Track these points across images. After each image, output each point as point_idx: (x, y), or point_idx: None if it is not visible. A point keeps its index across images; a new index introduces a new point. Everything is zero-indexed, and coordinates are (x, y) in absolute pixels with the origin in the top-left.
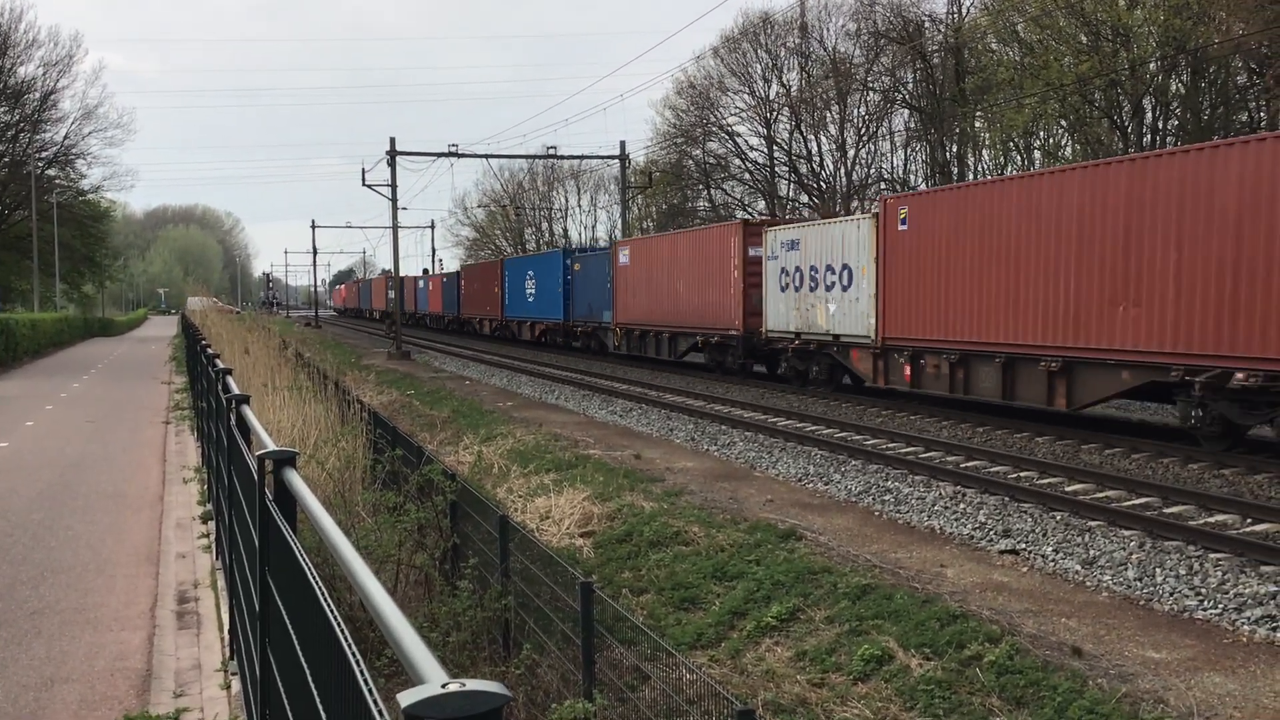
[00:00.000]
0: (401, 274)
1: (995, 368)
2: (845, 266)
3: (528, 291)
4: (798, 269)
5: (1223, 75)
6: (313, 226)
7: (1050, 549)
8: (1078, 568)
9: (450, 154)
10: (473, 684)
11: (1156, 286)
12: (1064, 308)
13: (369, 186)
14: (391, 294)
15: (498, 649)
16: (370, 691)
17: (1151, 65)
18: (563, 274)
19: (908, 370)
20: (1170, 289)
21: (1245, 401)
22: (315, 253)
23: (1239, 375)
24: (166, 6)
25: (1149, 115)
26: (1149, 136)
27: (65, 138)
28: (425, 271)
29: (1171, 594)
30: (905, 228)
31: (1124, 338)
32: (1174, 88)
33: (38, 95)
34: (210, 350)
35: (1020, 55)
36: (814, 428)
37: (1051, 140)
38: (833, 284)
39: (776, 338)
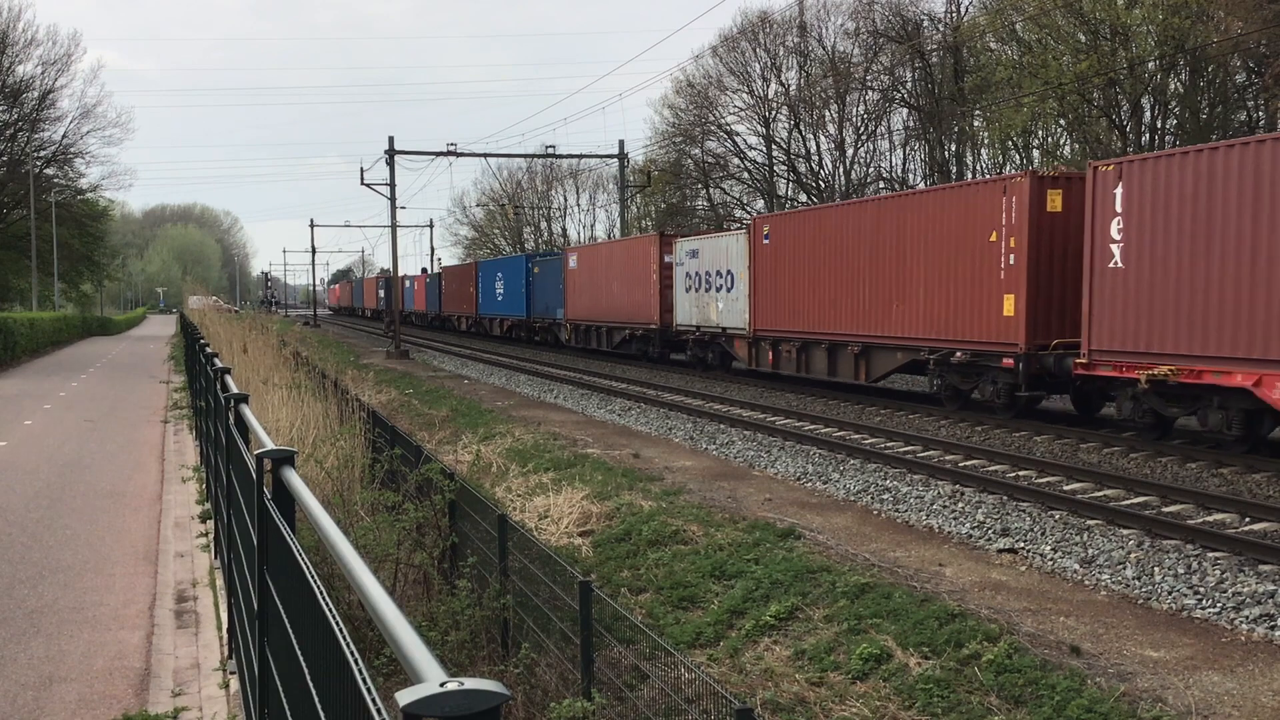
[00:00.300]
0: (392, 274)
1: (823, 352)
2: (729, 272)
3: (497, 291)
4: (698, 273)
5: (1221, 74)
6: (311, 226)
7: (1048, 548)
8: (1076, 566)
9: (449, 153)
10: (471, 683)
11: (913, 291)
12: (863, 306)
13: (368, 185)
14: (382, 293)
15: (496, 648)
16: (369, 690)
17: (1150, 64)
18: (525, 276)
19: (770, 355)
20: (920, 292)
21: (962, 372)
22: (314, 252)
23: (958, 354)
24: (165, 5)
25: (1147, 114)
26: (1147, 135)
27: (64, 137)
28: (424, 270)
29: (1170, 593)
30: (768, 242)
31: (897, 328)
32: (1172, 87)
33: (36, 94)
34: (209, 349)
35: (1019, 54)
36: (812, 427)
37: (1050, 139)
38: (721, 286)
39: (683, 330)
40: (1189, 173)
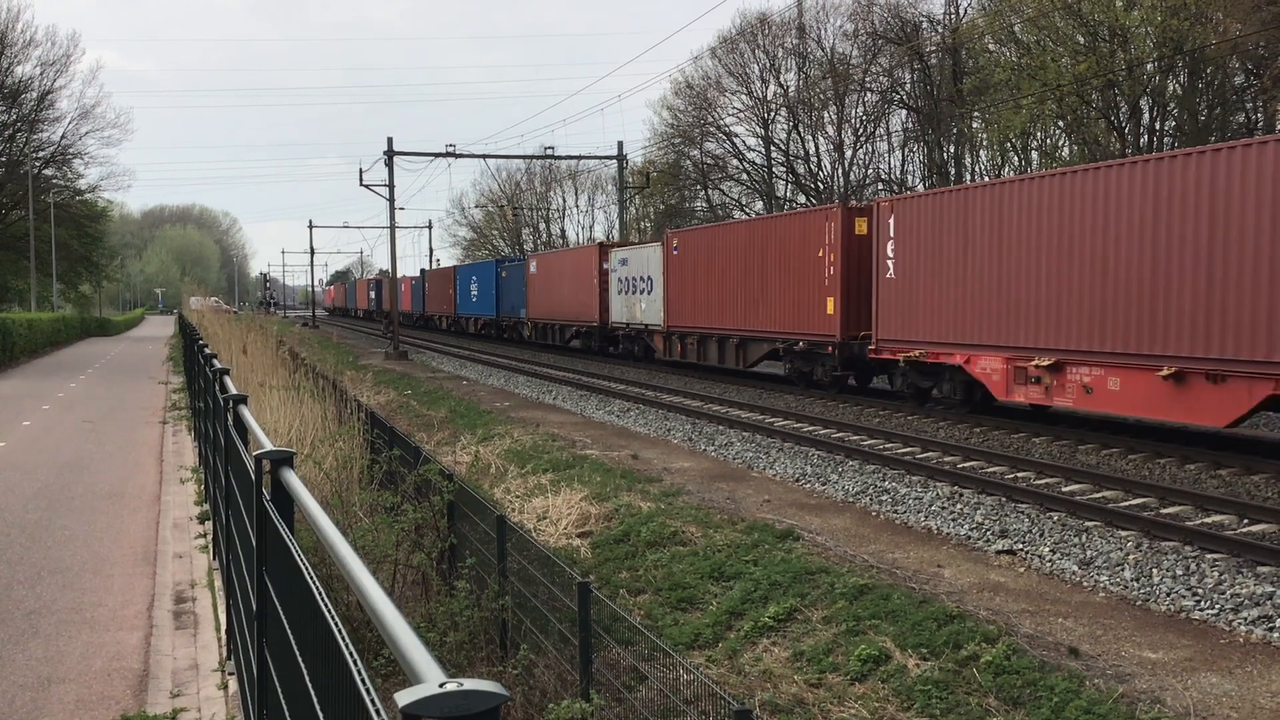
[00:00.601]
0: (390, 276)
1: (714, 343)
2: (650, 278)
3: (472, 294)
4: (628, 278)
5: (1219, 76)
6: (310, 226)
7: (1047, 549)
8: (1075, 568)
9: (448, 154)
10: (470, 683)
11: (771, 295)
12: (740, 307)
13: (367, 186)
14: (373, 294)
15: (495, 649)
16: (368, 691)
17: (1149, 66)
18: (495, 280)
19: (679, 347)
20: (776, 296)
21: (804, 358)
22: (312, 253)
23: (800, 344)
24: (163, 5)
25: (1146, 116)
26: (1146, 137)
27: (62, 137)
28: (422, 272)
29: (1168, 594)
30: (677, 253)
31: (763, 324)
32: (1171, 88)
33: (35, 95)
34: (207, 350)
35: (1017, 56)
36: (811, 428)
37: (1049, 141)
38: (644, 289)
39: (617, 327)
40: (928, 210)
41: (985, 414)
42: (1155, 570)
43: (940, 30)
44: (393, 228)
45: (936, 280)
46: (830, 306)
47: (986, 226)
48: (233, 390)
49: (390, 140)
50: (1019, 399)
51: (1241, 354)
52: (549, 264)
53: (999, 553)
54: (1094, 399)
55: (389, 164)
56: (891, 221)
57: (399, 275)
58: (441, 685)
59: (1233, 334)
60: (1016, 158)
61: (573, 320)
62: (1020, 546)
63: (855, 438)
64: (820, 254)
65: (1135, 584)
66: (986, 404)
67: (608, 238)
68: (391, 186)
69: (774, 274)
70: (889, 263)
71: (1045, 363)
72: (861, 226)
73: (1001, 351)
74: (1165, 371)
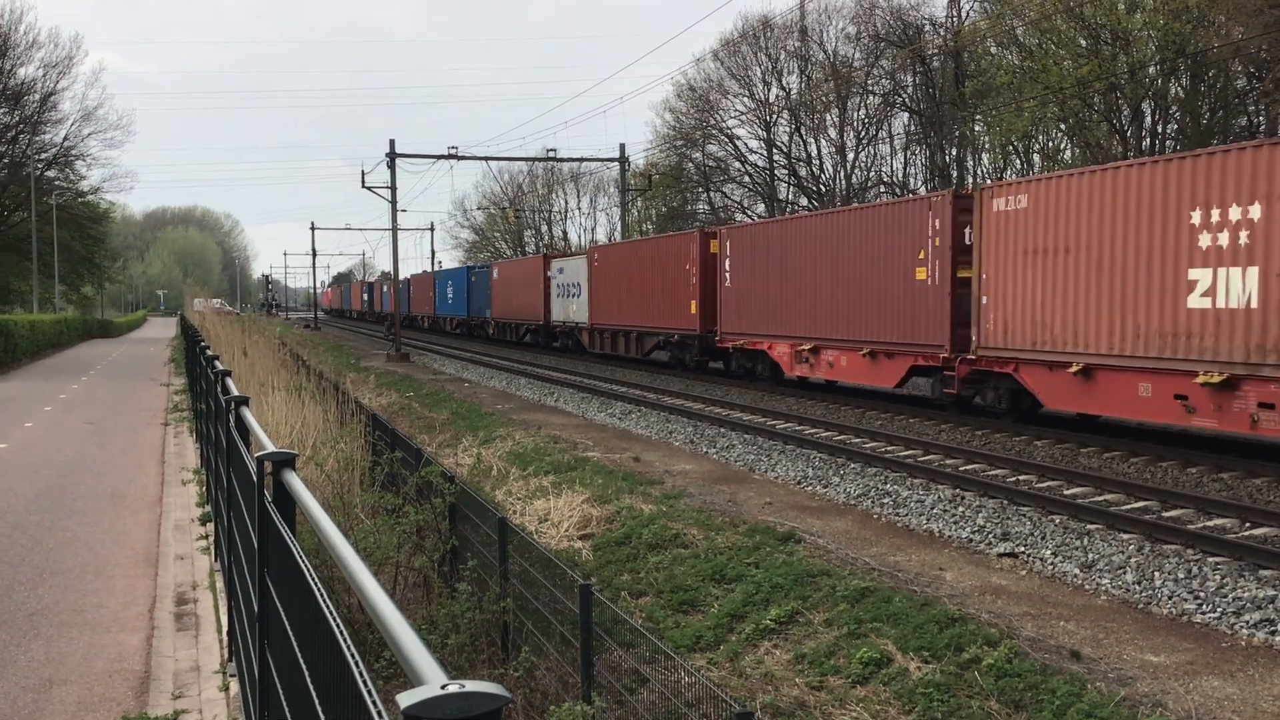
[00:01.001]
0: (392, 278)
1: (621, 337)
2: (579, 284)
3: (448, 296)
4: (565, 284)
5: (1222, 79)
6: (312, 228)
7: (1049, 552)
8: (1076, 571)
9: (450, 156)
10: (472, 685)
11: (656, 298)
12: (637, 307)
13: (369, 188)
14: (366, 296)
15: (496, 651)
16: (370, 692)
17: (1151, 69)
18: (467, 284)
19: (599, 340)
20: (658, 299)
21: (679, 347)
22: (314, 255)
23: (675, 336)
24: (166, 8)
25: (1148, 119)
26: (1148, 140)
27: (65, 139)
28: (409, 277)
29: (1170, 597)
30: (598, 264)
31: (652, 321)
32: (1173, 91)
33: (38, 97)
34: (210, 352)
35: (1019, 59)
36: (813, 430)
37: (1051, 144)
38: (575, 293)
39: (557, 325)
40: (748, 237)
41: (785, 385)
42: (1157, 573)
43: (942, 33)
44: (395, 230)
45: (752, 289)
46: (693, 308)
47: (777, 252)
48: (235, 392)
49: (392, 142)
50: (798, 374)
51: (900, 339)
52: (507, 271)
53: (1001, 555)
54: (834, 372)
55: (391, 166)
56: (728, 244)
57: (381, 281)
58: (443, 687)
59: (893, 328)
60: (1019, 160)
61: (526, 319)
62: (1022, 549)
63: (857, 440)
64: (687, 267)
65: (1137, 587)
66: (777, 377)
67: (610, 239)
68: (394, 188)
69: (655, 283)
70: (727, 275)
71: (809, 348)
72: (714, 247)
73: (788, 340)
74: (864, 351)
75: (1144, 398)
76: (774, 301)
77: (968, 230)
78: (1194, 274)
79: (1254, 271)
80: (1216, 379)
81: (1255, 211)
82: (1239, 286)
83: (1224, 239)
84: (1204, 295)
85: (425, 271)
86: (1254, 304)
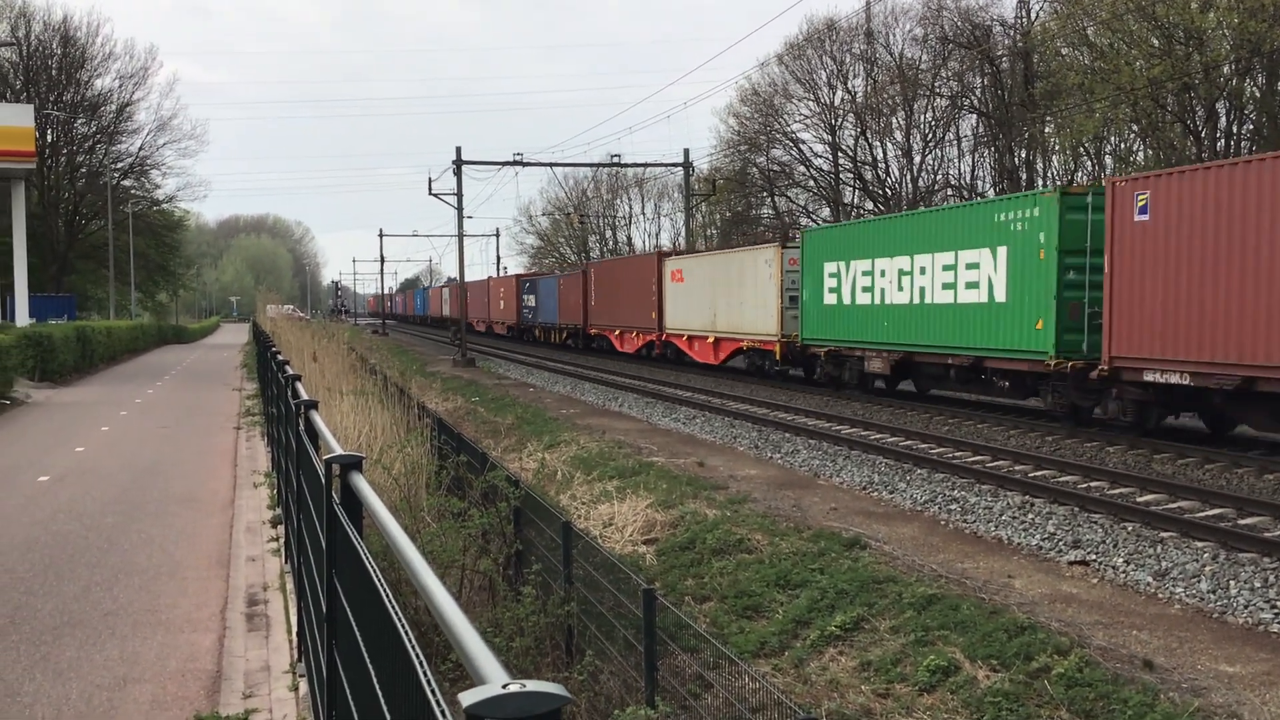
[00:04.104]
0: (460, 284)
1: (604, 335)
2: (551, 296)
3: (500, 303)
4: (536, 297)
5: None
6: (380, 235)
7: (1121, 560)
8: (1149, 579)
9: (515, 163)
10: (533, 684)
11: (632, 308)
12: (620, 313)
13: (435, 195)
14: (418, 301)
15: (560, 655)
16: (433, 691)
17: (1225, 68)
18: (518, 293)
19: (566, 337)
20: (634, 307)
21: (649, 344)
22: (382, 261)
23: (648, 337)
24: (238, 18)
25: (1223, 119)
26: (1223, 141)
27: (140, 149)
28: (462, 285)
29: (1246, 607)
30: (572, 277)
31: (630, 323)
32: (1249, 91)
33: (114, 107)
34: (280, 357)
35: (1090, 59)
36: (879, 436)
37: (1123, 145)
38: (549, 305)
39: (532, 326)
40: (696, 261)
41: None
42: (1233, 582)
43: (1011, 34)
44: (461, 236)
45: (695, 299)
46: (653, 314)
47: (702, 277)
48: (304, 396)
49: (459, 150)
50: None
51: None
52: (551, 283)
53: (1071, 563)
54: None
55: (457, 173)
56: (672, 264)
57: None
58: (505, 686)
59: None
60: (1090, 162)
61: (566, 324)
62: (1094, 557)
63: (923, 446)
64: (652, 284)
65: (1212, 596)
66: (680, 359)
67: (674, 245)
68: (460, 195)
69: (631, 295)
70: (677, 287)
71: (712, 340)
72: (672, 266)
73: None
74: (710, 339)
75: None
76: (698, 313)
77: None
78: None
79: None
80: None
81: None
82: None
83: None
84: None
85: (479, 279)
86: None
